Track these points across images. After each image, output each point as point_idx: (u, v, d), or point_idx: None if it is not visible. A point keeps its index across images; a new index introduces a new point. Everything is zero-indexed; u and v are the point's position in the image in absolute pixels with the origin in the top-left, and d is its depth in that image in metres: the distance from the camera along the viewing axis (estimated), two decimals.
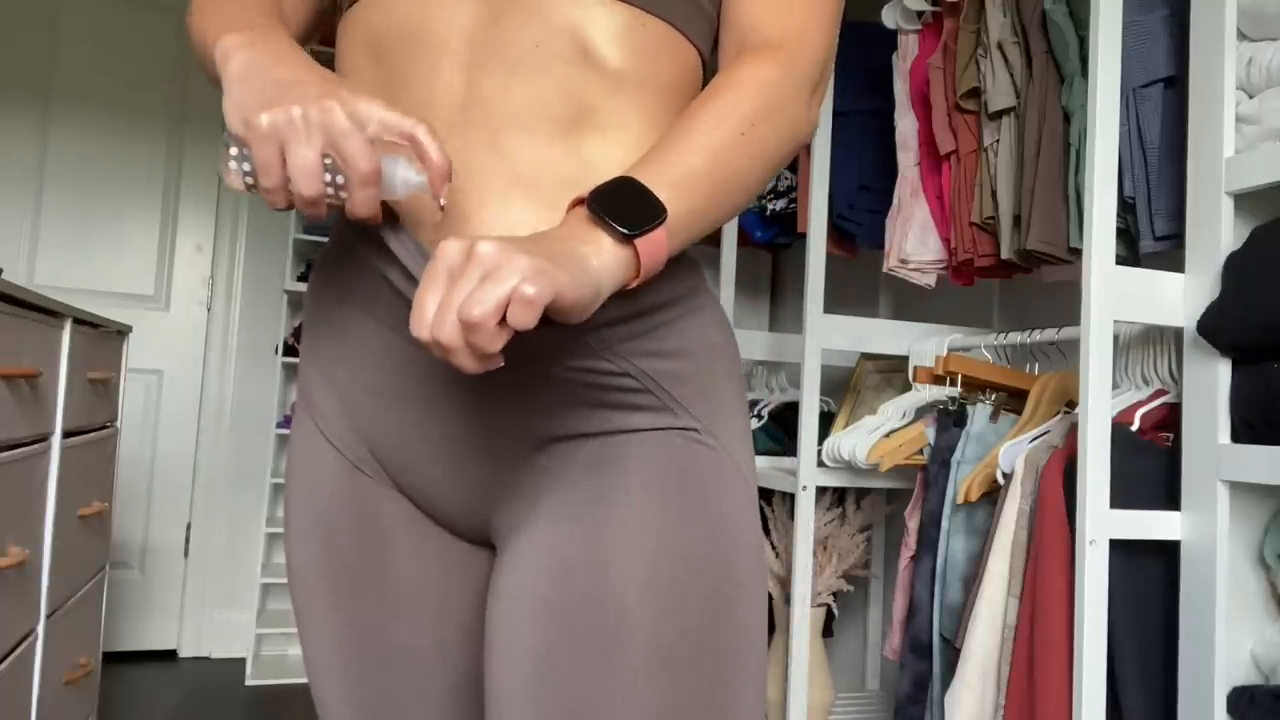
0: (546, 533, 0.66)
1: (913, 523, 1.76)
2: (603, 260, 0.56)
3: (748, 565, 0.67)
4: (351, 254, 0.70)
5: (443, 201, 0.59)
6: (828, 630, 2.24)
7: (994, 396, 1.71)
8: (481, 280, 0.51)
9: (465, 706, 0.74)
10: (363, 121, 0.57)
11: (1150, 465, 1.31)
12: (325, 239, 3.07)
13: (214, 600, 3.27)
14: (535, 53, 0.65)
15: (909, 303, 2.41)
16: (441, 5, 0.66)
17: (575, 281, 0.53)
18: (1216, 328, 1.22)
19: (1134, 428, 1.36)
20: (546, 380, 0.66)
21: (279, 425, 3.06)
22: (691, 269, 0.72)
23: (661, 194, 0.59)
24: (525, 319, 0.51)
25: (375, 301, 0.68)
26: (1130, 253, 1.44)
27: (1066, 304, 1.87)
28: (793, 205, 2.32)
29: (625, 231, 0.57)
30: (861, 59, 2.08)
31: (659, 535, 0.64)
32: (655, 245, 0.58)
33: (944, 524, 1.60)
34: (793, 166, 2.32)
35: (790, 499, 1.94)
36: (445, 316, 0.51)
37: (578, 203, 0.59)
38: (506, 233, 0.64)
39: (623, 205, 0.58)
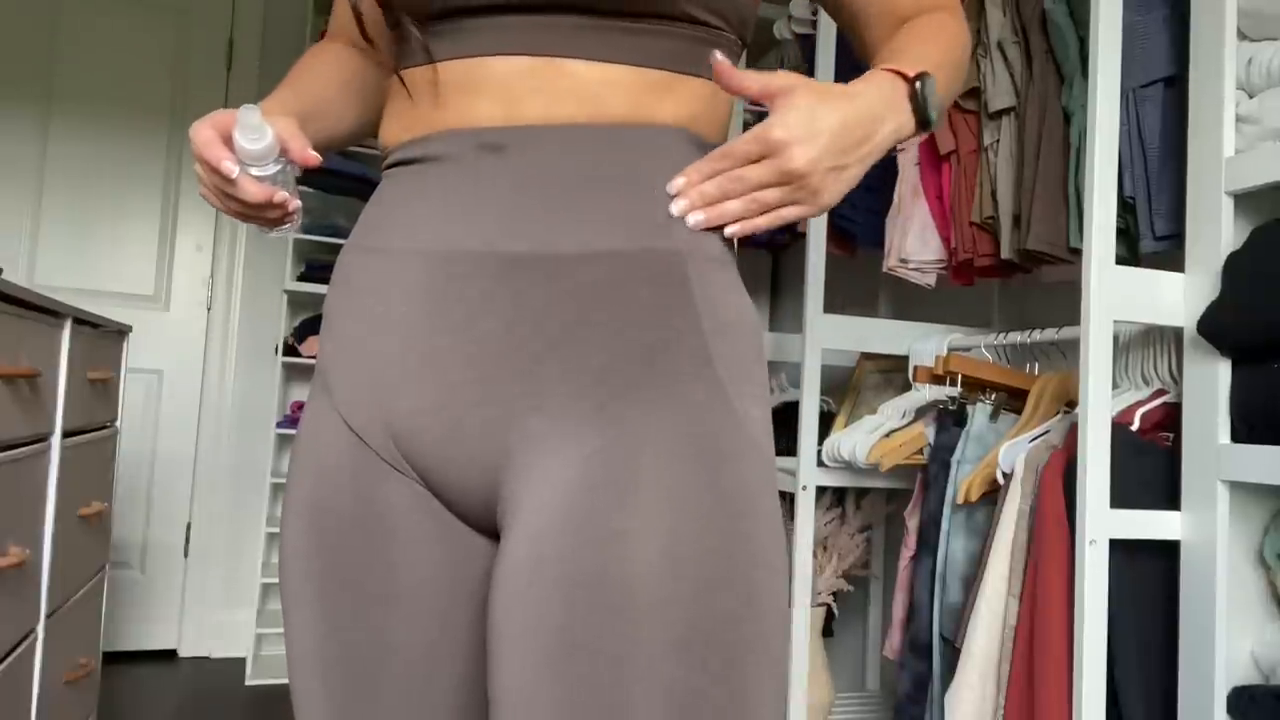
0: (558, 501, 0.62)
1: (913, 523, 1.76)
2: (886, 136, 0.68)
3: (771, 544, 0.64)
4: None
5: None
6: (828, 630, 2.24)
7: (994, 396, 1.70)
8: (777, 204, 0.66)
9: (458, 711, 0.71)
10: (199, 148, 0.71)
11: (1150, 465, 1.31)
12: (324, 239, 3.07)
13: (214, 600, 3.27)
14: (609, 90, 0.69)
15: (909, 303, 2.41)
16: (499, 59, 0.69)
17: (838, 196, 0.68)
18: (1216, 328, 1.22)
19: (1134, 428, 1.36)
20: (603, 317, 0.65)
21: (279, 425, 3.05)
22: None
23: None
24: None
25: (410, 234, 0.70)
26: (1130, 253, 1.43)
27: (1066, 304, 1.87)
28: None
29: (930, 125, 0.70)
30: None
31: (681, 506, 0.61)
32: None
33: (944, 524, 1.60)
34: None
35: (790, 499, 1.94)
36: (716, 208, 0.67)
37: (897, 73, 0.69)
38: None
39: (929, 98, 0.70)
